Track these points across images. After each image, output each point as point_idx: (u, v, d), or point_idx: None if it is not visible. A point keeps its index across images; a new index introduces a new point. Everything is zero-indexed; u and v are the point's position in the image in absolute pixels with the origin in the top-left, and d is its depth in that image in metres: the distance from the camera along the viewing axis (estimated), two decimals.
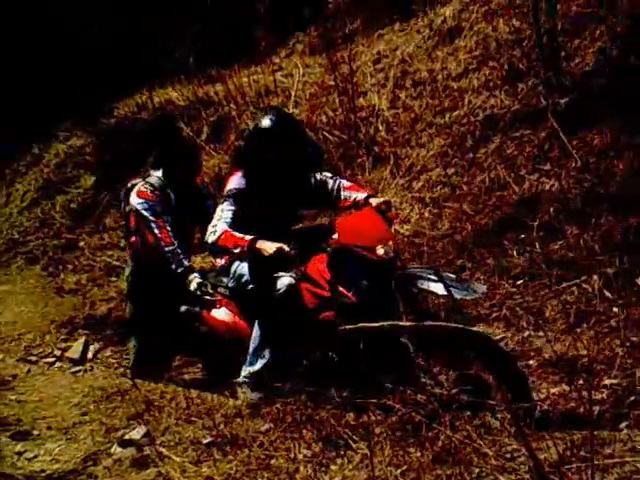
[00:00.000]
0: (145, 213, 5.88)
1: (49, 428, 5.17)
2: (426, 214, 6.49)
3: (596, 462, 3.21)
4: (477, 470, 3.62)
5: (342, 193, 5.33)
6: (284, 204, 5.28)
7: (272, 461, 4.09)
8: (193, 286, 5.59)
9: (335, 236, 4.91)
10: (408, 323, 4.39)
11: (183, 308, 5.63)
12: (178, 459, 4.29)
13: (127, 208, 6.14)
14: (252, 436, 4.37)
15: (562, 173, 6.00)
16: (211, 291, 5.56)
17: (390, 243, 4.81)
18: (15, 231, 10.15)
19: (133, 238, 6.10)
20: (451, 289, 4.45)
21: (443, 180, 6.74)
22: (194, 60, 9.61)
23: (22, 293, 8.53)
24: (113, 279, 8.01)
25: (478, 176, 6.50)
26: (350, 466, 3.91)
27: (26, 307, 8.04)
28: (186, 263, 5.77)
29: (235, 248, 4.97)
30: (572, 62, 6.92)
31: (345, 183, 5.42)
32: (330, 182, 5.39)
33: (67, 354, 6.79)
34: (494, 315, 5.13)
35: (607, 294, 4.97)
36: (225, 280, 5.45)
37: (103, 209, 9.37)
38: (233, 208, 5.11)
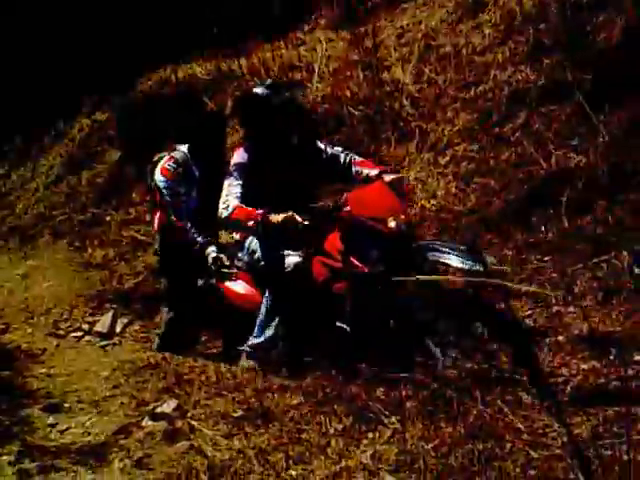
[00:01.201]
0: (164, 192, 6.01)
1: (80, 401, 5.21)
2: (452, 189, 6.46)
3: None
4: (509, 445, 3.65)
5: (353, 168, 5.37)
6: (290, 176, 5.26)
7: (303, 435, 4.14)
8: (209, 260, 5.71)
9: (347, 208, 4.95)
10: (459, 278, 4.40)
11: (200, 281, 5.72)
12: (209, 432, 4.34)
13: (152, 183, 6.22)
14: (283, 410, 4.41)
15: (589, 148, 5.96)
16: (227, 264, 5.64)
17: (402, 216, 4.84)
18: (42, 206, 10.20)
19: (158, 213, 6.19)
20: (462, 260, 4.52)
21: (469, 155, 6.71)
22: (218, 34, 9.56)
23: (49, 268, 8.59)
24: (140, 253, 8.05)
25: (505, 151, 6.46)
26: (381, 440, 3.95)
27: (54, 281, 8.10)
28: (200, 239, 5.84)
29: (248, 221, 5.05)
30: (598, 36, 6.83)
31: (357, 158, 5.46)
32: (342, 156, 5.43)
33: (95, 328, 6.85)
34: (523, 290, 5.11)
35: (636, 270, 4.95)
36: (240, 255, 5.54)
37: (129, 184, 9.39)
38: (240, 182, 5.19)
